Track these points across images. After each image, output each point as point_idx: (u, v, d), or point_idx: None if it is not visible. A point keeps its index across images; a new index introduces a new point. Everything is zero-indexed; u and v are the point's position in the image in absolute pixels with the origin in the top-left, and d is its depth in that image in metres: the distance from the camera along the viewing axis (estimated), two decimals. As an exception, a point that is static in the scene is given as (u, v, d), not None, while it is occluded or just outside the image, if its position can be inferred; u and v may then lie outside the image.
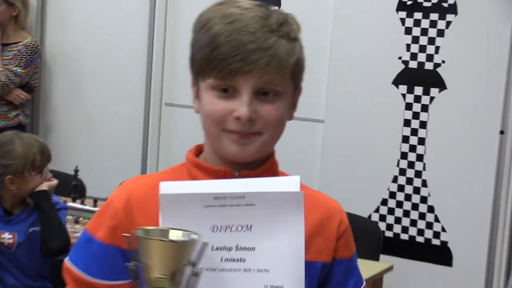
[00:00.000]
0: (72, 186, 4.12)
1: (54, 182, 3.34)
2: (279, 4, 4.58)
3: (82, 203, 3.99)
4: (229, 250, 1.38)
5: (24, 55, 4.91)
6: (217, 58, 1.42)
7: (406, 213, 4.26)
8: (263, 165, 1.54)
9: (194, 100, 1.54)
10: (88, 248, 1.53)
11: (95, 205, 3.96)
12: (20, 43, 4.96)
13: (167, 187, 1.40)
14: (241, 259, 1.39)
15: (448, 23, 4.12)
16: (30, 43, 4.96)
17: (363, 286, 1.63)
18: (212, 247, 1.35)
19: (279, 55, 1.43)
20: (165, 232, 1.31)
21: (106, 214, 1.53)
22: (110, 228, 1.50)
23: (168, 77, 5.01)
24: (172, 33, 4.97)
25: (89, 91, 5.17)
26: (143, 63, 5.04)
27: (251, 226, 1.38)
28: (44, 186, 3.26)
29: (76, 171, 4.20)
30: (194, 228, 1.30)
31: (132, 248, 1.30)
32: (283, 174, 1.58)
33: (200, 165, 1.54)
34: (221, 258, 1.37)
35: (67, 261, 1.55)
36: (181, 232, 1.31)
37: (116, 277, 1.51)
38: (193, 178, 1.54)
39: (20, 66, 4.89)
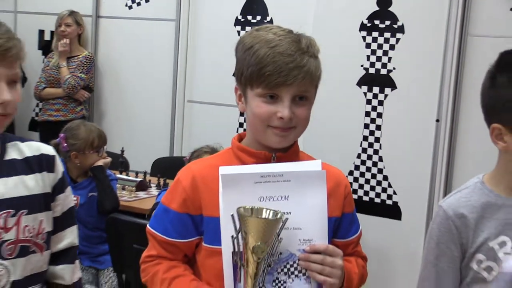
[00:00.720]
0: (119, 162, 4.21)
1: (108, 159, 3.40)
2: (266, 15, 4.56)
3: (127, 175, 4.08)
4: None
5: (85, 64, 4.97)
6: (265, 74, 1.45)
7: (367, 181, 4.25)
8: (291, 148, 1.56)
9: (237, 102, 1.57)
10: (165, 216, 1.54)
11: (136, 176, 4.04)
12: (80, 56, 4.99)
13: (225, 169, 1.44)
14: (285, 220, 1.40)
15: (398, 40, 4.10)
16: (88, 55, 5.02)
17: (359, 230, 1.65)
18: None
19: (311, 71, 1.47)
20: (260, 211, 1.35)
21: (176, 190, 1.54)
22: (181, 200, 1.52)
23: (189, 79, 4.93)
24: (192, 46, 4.88)
25: (130, 90, 5.15)
26: (170, 69, 4.99)
27: (288, 196, 1.42)
28: (100, 162, 3.32)
29: (122, 151, 4.29)
30: (247, 199, 1.36)
31: (237, 223, 1.35)
32: (304, 154, 1.61)
33: (244, 149, 1.55)
34: None
35: (149, 227, 1.57)
36: (270, 211, 1.36)
37: (187, 237, 1.53)
38: (240, 159, 1.55)
39: (83, 73, 4.93)
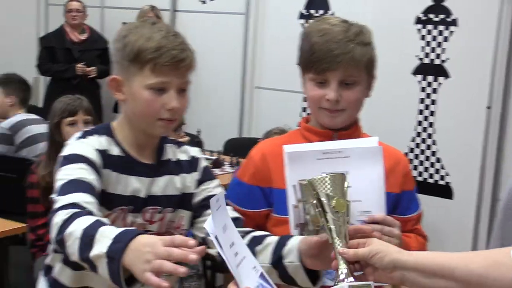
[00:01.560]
0: (196, 142, 4.41)
1: (186, 139, 3.63)
2: (328, 9, 4.79)
3: (203, 153, 4.43)
4: None
5: None
6: (313, 60, 1.53)
7: (421, 163, 4.37)
8: (351, 128, 1.60)
9: (302, 86, 1.62)
10: (238, 188, 1.64)
11: (211, 155, 4.33)
12: None
13: (289, 148, 1.46)
14: None
15: (451, 32, 4.25)
16: None
17: (420, 209, 1.67)
18: None
19: (355, 57, 1.51)
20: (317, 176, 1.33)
21: (249, 165, 1.63)
22: (252, 174, 1.61)
23: (257, 68, 5.21)
24: (260, 37, 5.18)
25: (204, 78, 5.16)
26: (239, 58, 5.25)
27: (347, 171, 1.39)
28: (185, 140, 3.48)
29: (199, 131, 4.62)
30: (310, 174, 1.30)
31: (298, 193, 1.37)
32: (365, 135, 1.63)
33: (310, 129, 1.62)
34: None
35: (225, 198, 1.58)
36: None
37: (257, 207, 1.61)
38: (306, 138, 1.61)
39: None
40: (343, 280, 1.19)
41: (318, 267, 1.36)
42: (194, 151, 1.63)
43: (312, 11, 4.97)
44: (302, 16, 5.00)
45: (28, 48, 6.39)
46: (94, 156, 1.44)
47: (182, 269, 1.07)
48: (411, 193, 1.64)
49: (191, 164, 1.59)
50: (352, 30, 1.53)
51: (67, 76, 5.49)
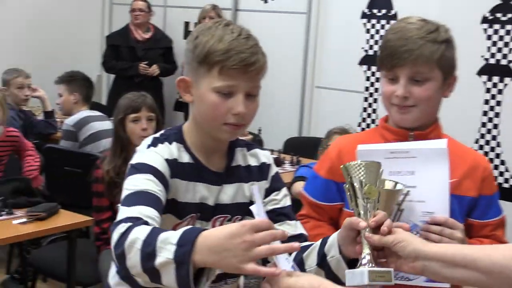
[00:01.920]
0: (257, 140, 4.42)
1: (249, 137, 3.71)
2: (391, 8, 4.78)
3: None
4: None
5: None
6: (384, 57, 1.57)
7: None
8: (429, 128, 1.60)
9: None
10: (315, 182, 1.69)
11: (272, 153, 4.39)
12: None
13: (362, 146, 1.51)
14: (407, 193, 1.44)
15: None
16: None
17: (501, 215, 1.63)
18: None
19: (424, 54, 1.52)
20: (383, 182, 1.36)
21: (325, 159, 1.67)
22: (328, 168, 1.65)
23: (318, 67, 5.24)
24: (321, 37, 5.20)
25: (265, 77, 5.53)
26: (300, 57, 5.29)
27: (413, 171, 1.44)
28: (243, 139, 3.65)
29: (259, 130, 4.64)
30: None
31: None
32: (445, 136, 1.61)
33: (388, 128, 1.63)
34: None
35: (302, 190, 1.70)
36: (392, 183, 1.38)
37: (332, 201, 1.65)
38: (383, 136, 1.63)
39: None
40: (364, 265, 1.23)
41: (358, 252, 1.34)
42: (265, 156, 1.61)
43: (375, 11, 4.96)
44: (364, 15, 5.00)
45: (93, 47, 6.59)
46: (162, 166, 1.42)
47: (296, 244, 1.13)
48: (490, 198, 1.62)
49: (261, 172, 1.57)
50: (426, 28, 1.54)
51: (130, 74, 5.61)
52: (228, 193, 1.52)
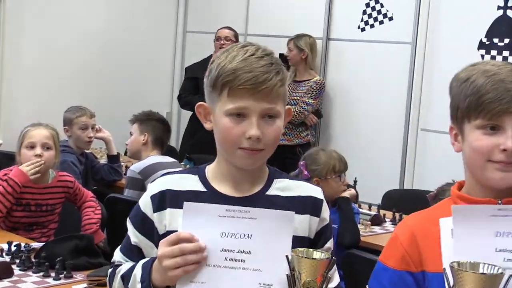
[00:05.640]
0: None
1: (353, 191, 3.55)
2: None
3: (359, 207, 4.16)
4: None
5: (314, 89, 5.41)
6: (485, 102, 1.49)
7: None
8: None
9: (452, 142, 1.58)
10: (383, 274, 1.60)
11: (369, 209, 4.22)
12: (311, 80, 5.45)
13: (446, 221, 1.48)
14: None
15: None
16: (319, 80, 5.45)
17: None
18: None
19: None
20: (476, 266, 1.34)
21: (394, 246, 1.59)
22: (398, 257, 1.57)
23: (424, 106, 5.18)
24: (429, 70, 5.14)
25: (359, 116, 5.49)
26: (403, 94, 5.26)
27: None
28: (346, 194, 3.50)
29: (355, 181, 4.42)
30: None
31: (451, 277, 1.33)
32: None
33: (464, 197, 1.56)
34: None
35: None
36: (489, 266, 1.34)
37: None
38: None
39: (312, 98, 5.39)
40: None
41: None
42: (316, 191, 1.66)
43: (496, 40, 4.80)
44: (482, 45, 4.86)
45: (163, 81, 6.67)
46: (145, 206, 1.61)
47: (195, 237, 1.44)
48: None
49: (308, 204, 1.62)
50: None
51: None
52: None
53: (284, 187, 1.63)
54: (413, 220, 1.63)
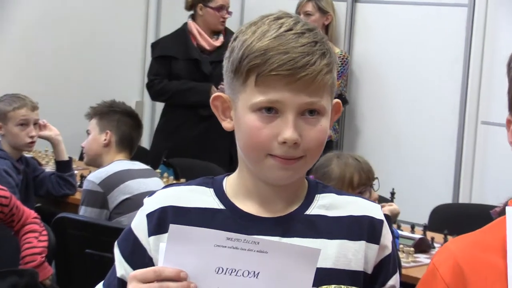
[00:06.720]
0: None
1: (395, 207, 3.68)
2: None
3: (399, 228, 4.14)
4: None
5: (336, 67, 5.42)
6: None
7: None
8: None
9: (510, 140, 1.62)
10: None
11: (412, 231, 4.16)
12: None
13: None
14: None
15: None
16: (341, 54, 5.43)
17: None
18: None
19: None
20: None
21: (433, 281, 1.59)
22: None
23: (485, 91, 5.24)
24: (491, 44, 5.24)
25: (397, 104, 5.57)
26: (457, 75, 5.33)
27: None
28: (386, 211, 3.50)
29: (392, 193, 4.41)
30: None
31: None
32: None
33: None
34: None
35: None
36: None
37: None
38: None
39: None
40: None
41: None
42: (374, 209, 1.65)
43: None
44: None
45: (131, 61, 6.76)
46: (138, 229, 1.64)
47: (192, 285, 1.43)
48: None
49: (363, 228, 1.61)
50: None
51: (192, 101, 5.55)
52: None
53: (330, 204, 1.64)
54: (456, 245, 1.65)
